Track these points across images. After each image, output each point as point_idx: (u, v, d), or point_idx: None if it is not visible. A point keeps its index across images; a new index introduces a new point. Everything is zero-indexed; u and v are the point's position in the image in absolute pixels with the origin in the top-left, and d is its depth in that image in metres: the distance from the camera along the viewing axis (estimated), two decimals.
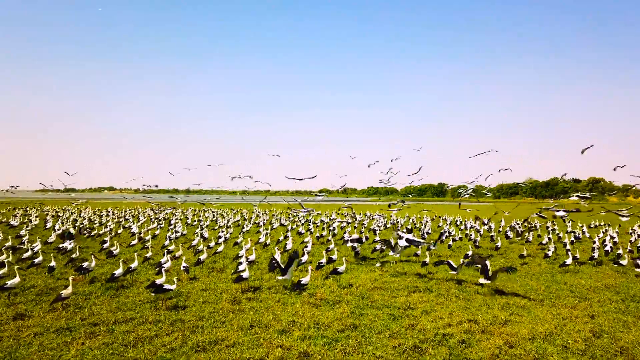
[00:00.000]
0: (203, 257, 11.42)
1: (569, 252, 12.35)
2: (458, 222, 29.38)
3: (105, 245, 14.63)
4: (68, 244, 13.63)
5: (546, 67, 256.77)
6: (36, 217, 29.25)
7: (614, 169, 20.38)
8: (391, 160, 23.53)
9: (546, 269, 12.57)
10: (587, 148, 19.58)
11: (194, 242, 15.28)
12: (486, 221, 27.61)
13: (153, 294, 8.32)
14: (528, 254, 14.00)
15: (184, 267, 10.43)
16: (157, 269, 11.02)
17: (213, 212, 37.91)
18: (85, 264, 10.15)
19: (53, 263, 10.63)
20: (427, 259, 12.37)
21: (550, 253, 14.01)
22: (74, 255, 12.30)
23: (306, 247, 14.36)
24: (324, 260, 11.45)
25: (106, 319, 7.16)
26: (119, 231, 19.63)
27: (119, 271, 9.50)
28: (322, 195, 27.39)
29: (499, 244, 15.55)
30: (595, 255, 13.52)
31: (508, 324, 7.23)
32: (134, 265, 10.15)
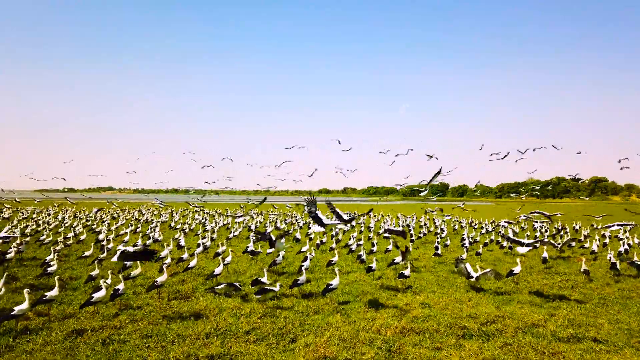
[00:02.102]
0: (161, 279, 8.23)
1: None
2: (475, 225, 26.25)
3: (49, 258, 11.47)
4: None
5: (547, 67, 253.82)
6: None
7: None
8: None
9: (618, 290, 9.41)
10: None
11: (162, 254, 12.11)
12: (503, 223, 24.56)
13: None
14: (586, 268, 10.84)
15: (115, 291, 7.26)
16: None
17: (206, 212, 34.80)
18: None
19: None
20: (474, 273, 9.26)
21: (616, 264, 10.90)
22: None
23: (304, 259, 11.27)
24: (335, 282, 8.33)
25: None
26: (82, 237, 16.46)
27: (21, 307, 6.34)
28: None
29: (545, 254, 12.39)
30: None
31: None
32: (52, 293, 7.01)
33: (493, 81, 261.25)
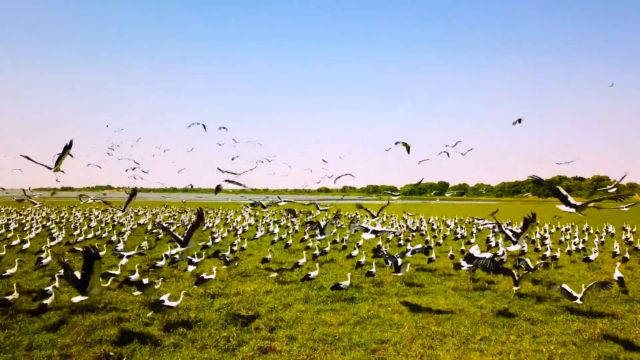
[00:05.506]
0: None
1: None
2: (494, 229, 23.19)
3: None
4: None
5: (547, 67, 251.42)
6: None
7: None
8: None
9: None
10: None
11: (115, 279, 8.97)
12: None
13: None
14: None
15: None
16: None
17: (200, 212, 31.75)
18: None
19: None
20: (576, 293, 6.25)
21: None
22: None
23: (305, 278, 8.23)
24: None
25: None
26: (26, 246, 13.34)
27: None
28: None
29: (619, 273, 9.34)
30: None
31: None
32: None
33: (493, 81, 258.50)
